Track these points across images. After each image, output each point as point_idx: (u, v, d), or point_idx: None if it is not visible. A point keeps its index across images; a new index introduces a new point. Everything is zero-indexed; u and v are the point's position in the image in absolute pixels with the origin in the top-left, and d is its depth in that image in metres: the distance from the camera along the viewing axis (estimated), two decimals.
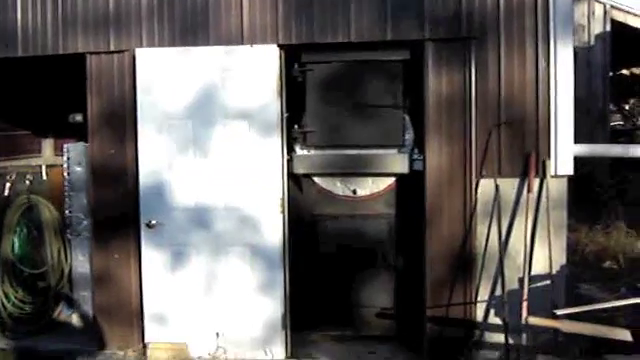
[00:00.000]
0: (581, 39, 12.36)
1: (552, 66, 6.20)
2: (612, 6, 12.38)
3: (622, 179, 11.41)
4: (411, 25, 6.29)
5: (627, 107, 18.56)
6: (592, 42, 12.44)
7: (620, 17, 12.45)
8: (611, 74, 14.96)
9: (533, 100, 6.23)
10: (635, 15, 12.51)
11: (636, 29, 12.64)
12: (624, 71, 17.17)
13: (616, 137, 14.66)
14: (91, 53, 6.80)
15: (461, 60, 6.28)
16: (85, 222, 7.09)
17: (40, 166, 7.85)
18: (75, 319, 7.48)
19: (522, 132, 6.25)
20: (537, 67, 6.22)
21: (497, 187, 6.26)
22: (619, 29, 12.51)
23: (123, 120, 6.74)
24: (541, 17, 6.19)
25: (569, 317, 5.36)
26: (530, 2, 6.21)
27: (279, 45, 6.46)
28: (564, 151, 6.21)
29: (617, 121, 16.87)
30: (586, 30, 12.39)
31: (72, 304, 7.45)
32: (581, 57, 12.24)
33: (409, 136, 6.68)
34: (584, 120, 11.96)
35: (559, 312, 5.11)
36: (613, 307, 5.69)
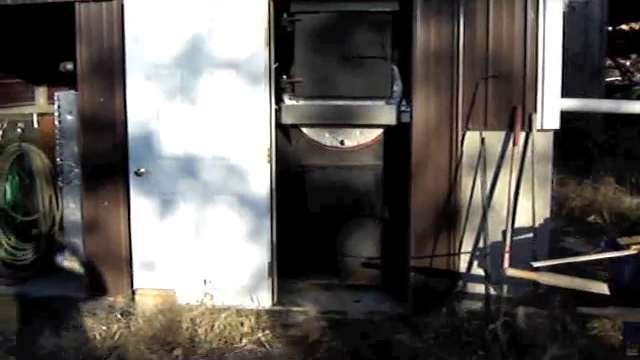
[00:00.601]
0: None
1: (541, 19, 6.17)
2: None
3: (614, 134, 11.42)
4: None
5: (628, 63, 18.50)
6: None
7: None
8: (609, 29, 14.87)
9: (521, 53, 6.22)
10: None
11: None
12: (623, 26, 17.04)
13: (613, 92, 14.63)
14: (80, 1, 6.77)
15: (449, 12, 6.25)
16: (76, 170, 7.13)
17: (32, 114, 7.87)
18: (67, 266, 7.55)
19: (509, 85, 6.25)
20: (525, 20, 6.19)
21: (483, 140, 6.29)
22: None
23: (112, 69, 6.75)
24: None
25: (550, 270, 5.43)
26: None
27: None
28: (551, 105, 6.22)
29: (616, 77, 16.81)
30: None
31: (64, 251, 7.53)
32: (578, 11, 12.16)
33: (397, 88, 6.69)
34: (579, 75, 11.96)
35: (537, 264, 5.17)
36: (595, 260, 5.75)
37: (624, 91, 14.73)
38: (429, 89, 6.33)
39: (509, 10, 6.21)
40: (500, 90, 6.26)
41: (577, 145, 10.66)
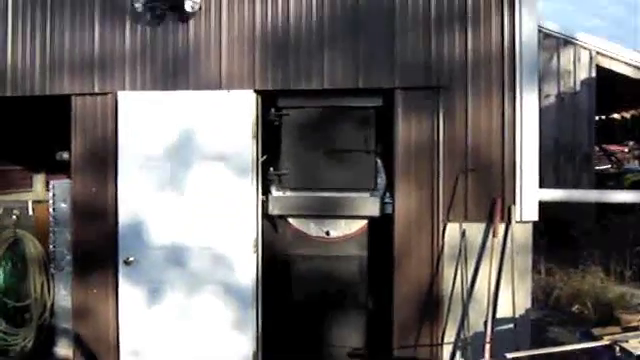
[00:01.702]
0: (567, 84, 12.60)
1: (518, 114, 6.41)
2: (597, 52, 12.62)
3: (605, 223, 11.53)
4: (382, 74, 6.54)
5: (626, 149, 18.78)
6: (578, 88, 12.66)
7: (605, 63, 12.67)
8: (602, 117, 15.19)
9: (499, 147, 6.43)
10: (620, 61, 12.72)
11: (622, 75, 12.84)
12: (615, 115, 17.39)
13: (605, 180, 14.83)
14: (76, 95, 7.08)
15: (430, 107, 6.50)
16: (68, 257, 7.28)
17: (27, 201, 8.07)
18: (59, 353, 7.60)
19: (488, 178, 6.44)
20: (503, 114, 6.42)
21: (464, 231, 6.44)
22: (605, 74, 12.73)
23: (105, 160, 6.98)
24: (507, 66, 6.42)
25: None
26: (497, 52, 6.44)
27: (256, 90, 6.72)
28: (529, 197, 6.39)
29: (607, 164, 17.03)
30: (572, 76, 12.63)
31: (56, 338, 7.59)
32: (567, 102, 12.49)
33: (381, 180, 6.87)
34: (569, 164, 12.18)
35: (511, 355, 5.24)
36: (573, 350, 5.81)
37: (616, 179, 14.94)
38: (411, 182, 6.51)
39: (487, 105, 6.45)
40: (480, 182, 6.44)
41: (565, 234, 10.79)
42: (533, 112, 6.43)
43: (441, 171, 6.47)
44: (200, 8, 6.73)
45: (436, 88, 6.48)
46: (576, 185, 11.92)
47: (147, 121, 6.82)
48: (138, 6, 6.77)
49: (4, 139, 8.47)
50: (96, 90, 7.02)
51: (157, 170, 6.78)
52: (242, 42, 6.73)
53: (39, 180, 9.64)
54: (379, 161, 6.90)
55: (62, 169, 7.91)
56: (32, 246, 7.78)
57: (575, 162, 12.34)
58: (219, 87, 6.75)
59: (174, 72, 6.85)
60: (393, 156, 6.57)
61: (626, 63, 12.74)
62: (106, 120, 7.00)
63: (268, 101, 6.88)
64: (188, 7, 6.64)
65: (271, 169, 6.96)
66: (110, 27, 7.00)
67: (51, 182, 7.52)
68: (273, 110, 6.92)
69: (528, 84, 6.43)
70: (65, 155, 7.51)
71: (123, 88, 6.94)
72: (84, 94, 7.06)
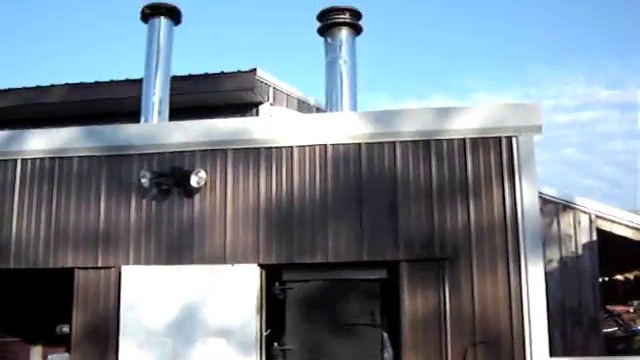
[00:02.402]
0: (568, 249, 12.56)
1: (524, 283, 6.37)
2: (597, 216, 12.68)
3: None
4: (386, 246, 6.56)
5: (631, 309, 18.51)
6: (580, 251, 12.63)
7: (606, 226, 12.70)
8: (605, 279, 15.08)
9: (507, 317, 6.35)
10: (620, 224, 12.76)
11: (622, 237, 12.86)
12: (618, 276, 17.29)
13: (614, 343, 14.50)
14: (79, 268, 7.06)
15: (435, 279, 6.47)
16: None
17: None
18: None
19: (498, 350, 6.31)
20: (509, 285, 6.39)
21: None
22: (606, 237, 12.75)
23: (106, 334, 6.87)
24: (511, 237, 6.46)
25: None
26: (500, 223, 6.49)
27: (260, 265, 6.71)
28: None
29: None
30: (573, 239, 12.63)
31: None
32: (570, 266, 12.41)
33: (388, 354, 6.71)
34: (577, 329, 11.96)
35: None
36: None
37: (625, 342, 14.62)
38: (418, 356, 6.37)
39: (493, 276, 6.42)
40: (489, 354, 6.30)
41: None
42: (539, 281, 6.40)
43: (449, 344, 6.35)
44: (205, 183, 6.85)
45: (441, 259, 6.47)
46: (585, 350, 11.65)
47: (150, 296, 6.77)
48: (145, 181, 6.89)
49: (3, 310, 8.36)
50: (99, 264, 7.02)
51: (159, 347, 6.66)
52: (247, 216, 6.80)
53: (36, 352, 9.44)
54: (385, 334, 6.76)
55: (61, 341, 7.77)
56: None
57: (582, 327, 12.12)
58: (223, 261, 6.75)
59: (179, 246, 6.87)
60: (399, 329, 6.45)
61: (626, 225, 12.78)
62: (108, 294, 6.95)
63: (272, 274, 6.85)
64: (194, 182, 6.76)
65: (275, 344, 6.81)
66: (116, 202, 7.10)
67: (49, 355, 7.37)
68: (277, 284, 6.87)
69: (533, 253, 6.44)
70: (65, 329, 7.42)
71: (127, 262, 6.94)
72: (87, 268, 7.05)
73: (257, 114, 11.04)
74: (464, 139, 6.63)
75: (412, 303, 6.46)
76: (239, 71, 10.84)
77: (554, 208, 12.38)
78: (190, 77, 10.79)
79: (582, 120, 59.67)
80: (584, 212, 12.68)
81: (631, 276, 17.14)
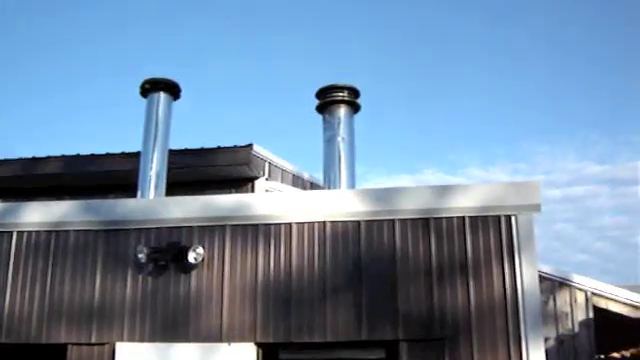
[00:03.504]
0: (565, 326, 12.48)
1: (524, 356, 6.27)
2: (593, 293, 12.65)
3: None
4: (385, 326, 6.47)
5: None
6: (576, 329, 12.55)
7: (602, 303, 12.66)
8: (602, 357, 14.92)
9: None
10: (617, 301, 12.72)
11: (619, 314, 12.80)
12: (615, 354, 17.11)
13: None
14: (72, 344, 6.93)
15: (435, 359, 6.36)
16: None
17: None
18: None
19: None
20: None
21: None
22: (602, 314, 12.69)
23: None
24: (511, 317, 6.38)
25: None
26: (500, 303, 6.43)
27: (256, 343, 6.60)
28: None
29: None
30: (569, 317, 12.57)
31: None
32: (567, 345, 12.31)
33: None
34: None
35: None
36: None
37: None
38: None
39: (493, 357, 6.31)
40: None
41: None
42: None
43: None
44: (203, 259, 6.79)
45: (441, 340, 6.39)
46: None
47: None
48: (141, 257, 6.83)
49: None
50: (93, 340, 6.89)
51: None
52: (244, 294, 6.72)
53: None
54: None
55: None
56: None
57: None
58: (219, 339, 6.63)
59: (174, 323, 6.77)
60: None
61: (623, 302, 12.74)
62: None
63: (269, 353, 6.74)
64: (191, 259, 6.71)
65: None
66: (111, 277, 7.02)
67: None
68: None
69: (533, 333, 6.36)
70: None
71: (121, 339, 6.81)
72: (81, 344, 6.91)
73: (252, 189, 11.06)
74: (463, 217, 6.63)
75: None
76: (235, 146, 10.91)
77: (550, 285, 12.35)
78: (186, 151, 10.85)
79: (573, 195, 60.08)
80: (580, 289, 12.66)
81: (628, 353, 16.96)
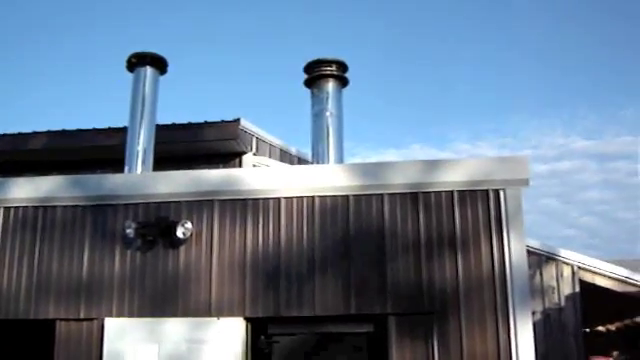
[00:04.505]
0: (551, 300, 12.56)
1: (513, 337, 6.31)
2: (580, 267, 12.73)
3: None
4: (374, 300, 6.49)
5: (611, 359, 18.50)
6: (562, 303, 12.64)
7: (588, 277, 12.74)
8: (587, 330, 15.06)
9: None
10: (603, 275, 12.81)
11: (605, 288, 12.90)
12: (600, 327, 17.30)
13: None
14: (61, 320, 6.91)
15: (424, 333, 6.39)
16: None
17: None
18: None
19: None
20: (498, 339, 6.32)
21: None
22: (589, 287, 12.78)
23: None
24: (499, 290, 6.41)
25: None
26: (488, 277, 6.45)
27: (245, 318, 6.60)
28: None
29: None
30: (556, 291, 12.64)
31: None
32: (553, 318, 12.40)
33: None
34: None
35: None
36: None
37: None
38: None
39: (481, 330, 6.36)
40: None
41: None
42: (528, 335, 6.34)
43: None
44: (191, 234, 6.77)
45: (429, 313, 6.41)
46: None
47: (133, 349, 6.63)
48: (129, 232, 6.80)
49: None
50: (82, 316, 6.87)
51: None
52: (233, 269, 6.71)
53: None
54: None
55: None
56: None
57: None
58: (208, 314, 6.63)
59: (163, 299, 6.76)
60: None
61: (608, 277, 12.84)
62: (90, 347, 6.80)
63: (258, 328, 6.74)
64: (180, 233, 6.69)
65: None
66: (100, 252, 6.99)
67: None
68: (263, 337, 6.76)
69: (521, 307, 6.40)
70: None
71: (110, 314, 6.80)
72: (69, 319, 6.90)
73: (240, 164, 11.03)
74: (452, 192, 6.64)
75: (400, 357, 6.36)
76: (223, 121, 10.87)
77: (537, 260, 12.40)
78: (173, 126, 10.79)
79: (560, 170, 60.32)
80: (567, 264, 12.73)
81: (613, 327, 17.16)
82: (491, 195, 6.60)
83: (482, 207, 6.59)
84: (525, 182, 6.61)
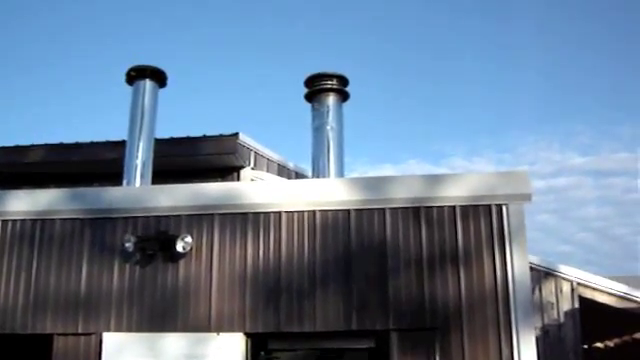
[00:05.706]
0: (551, 316, 12.51)
1: (515, 353, 6.24)
2: (579, 283, 12.69)
3: None
4: (376, 315, 6.43)
5: None
6: (562, 319, 12.59)
7: (587, 293, 12.70)
8: (585, 347, 14.98)
9: None
10: (602, 291, 12.77)
11: (604, 305, 12.85)
12: (598, 344, 17.22)
13: None
14: (59, 334, 6.83)
15: (426, 349, 6.33)
16: None
17: None
18: None
19: None
20: (501, 356, 6.26)
21: None
22: (588, 304, 12.72)
23: None
24: (502, 307, 6.36)
25: None
26: (491, 293, 6.40)
27: (246, 333, 6.54)
28: None
29: None
30: (555, 307, 12.59)
31: None
32: (552, 334, 12.34)
33: None
34: None
35: None
36: None
37: None
38: None
39: (484, 345, 6.30)
40: None
41: None
42: (531, 351, 6.30)
43: None
44: (191, 249, 6.71)
45: (431, 329, 6.35)
46: None
47: None
48: (129, 246, 6.74)
49: None
50: (80, 330, 6.80)
51: None
52: (233, 283, 6.65)
53: None
54: None
55: None
56: None
57: None
58: (208, 329, 6.57)
59: (162, 313, 6.69)
60: None
61: (608, 293, 12.79)
62: None
63: (258, 343, 6.68)
64: (179, 248, 6.63)
65: None
66: (98, 266, 6.92)
67: None
68: (263, 353, 6.71)
69: (524, 323, 6.35)
70: None
71: (108, 329, 6.73)
72: (67, 334, 6.82)
73: (238, 178, 10.98)
74: (454, 207, 6.59)
75: None
76: (221, 135, 10.83)
77: (536, 275, 12.34)
78: (172, 140, 10.74)
79: (557, 186, 60.37)
80: (566, 279, 12.69)
81: (611, 343, 17.07)
82: (494, 210, 6.56)
83: (485, 222, 6.55)
84: (528, 197, 6.58)
